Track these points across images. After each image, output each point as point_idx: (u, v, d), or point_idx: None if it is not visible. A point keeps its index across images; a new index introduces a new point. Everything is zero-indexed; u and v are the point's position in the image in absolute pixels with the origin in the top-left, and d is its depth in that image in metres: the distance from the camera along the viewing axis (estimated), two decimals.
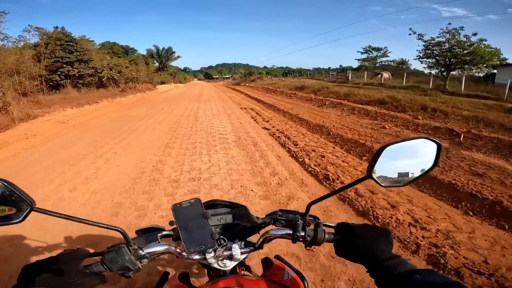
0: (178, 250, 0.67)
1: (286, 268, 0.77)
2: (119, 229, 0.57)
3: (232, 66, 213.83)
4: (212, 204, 0.80)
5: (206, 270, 0.88)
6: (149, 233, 0.76)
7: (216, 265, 0.71)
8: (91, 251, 0.61)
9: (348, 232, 0.63)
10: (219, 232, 0.77)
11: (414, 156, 0.62)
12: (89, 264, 0.58)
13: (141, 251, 0.61)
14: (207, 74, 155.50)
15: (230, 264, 0.72)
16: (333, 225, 0.69)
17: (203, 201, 0.71)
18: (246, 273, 0.87)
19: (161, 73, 56.44)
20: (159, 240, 0.73)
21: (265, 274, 0.80)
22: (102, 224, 0.55)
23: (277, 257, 0.89)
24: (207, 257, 0.68)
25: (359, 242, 0.60)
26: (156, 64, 56.73)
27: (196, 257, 0.69)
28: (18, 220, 0.48)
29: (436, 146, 0.59)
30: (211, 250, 0.68)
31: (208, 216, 0.70)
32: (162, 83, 51.81)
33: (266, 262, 0.88)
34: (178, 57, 60.90)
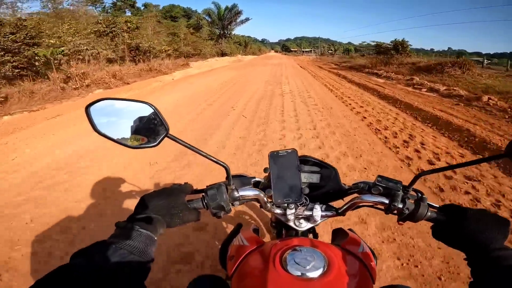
0: (265, 198, 0.64)
1: (362, 241, 0.69)
2: (225, 165, 0.58)
3: (312, 39, 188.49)
4: (304, 160, 0.75)
5: (276, 231, 0.90)
6: (244, 177, 0.72)
7: (291, 223, 0.68)
8: (195, 187, 0.63)
9: (457, 214, 0.54)
10: (303, 189, 0.69)
11: None
12: (191, 200, 0.59)
13: (236, 193, 0.60)
14: (284, 46, 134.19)
15: (305, 225, 0.68)
16: (437, 205, 0.60)
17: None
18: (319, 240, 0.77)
19: (223, 41, 38.81)
20: (252, 185, 0.71)
21: (338, 243, 0.69)
22: (213, 157, 0.56)
23: (350, 230, 0.78)
24: (287, 213, 0.65)
25: (470, 226, 0.51)
26: (218, 30, 39.18)
27: (278, 210, 0.67)
28: (154, 144, 0.52)
29: None
30: (293, 206, 0.65)
31: (301, 169, 0.66)
32: (223, 54, 34.73)
33: (338, 232, 0.79)
34: (247, 19, 41.54)
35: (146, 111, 0.51)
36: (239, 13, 39.40)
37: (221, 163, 0.57)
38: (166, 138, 0.53)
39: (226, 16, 39.06)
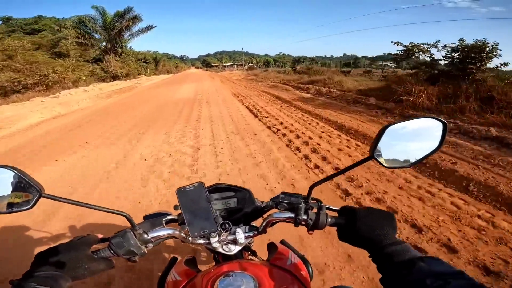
0: (182, 234, 0.64)
1: (290, 253, 0.74)
2: (124, 214, 0.56)
3: (231, 53, 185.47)
4: (216, 188, 0.79)
5: (213, 255, 0.89)
6: (155, 218, 0.72)
7: (220, 250, 0.68)
8: (100, 236, 0.61)
9: (351, 216, 0.59)
10: (223, 216, 0.73)
11: (418, 136, 0.58)
12: (98, 250, 0.58)
13: (146, 236, 0.59)
14: (205, 61, 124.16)
15: (234, 249, 0.69)
16: (337, 208, 0.66)
17: (207, 185, 0.71)
18: (252, 257, 0.87)
19: (112, 58, 25.99)
20: (164, 224, 0.70)
21: (269, 259, 0.75)
22: (108, 209, 0.54)
23: (282, 242, 0.86)
24: (212, 242, 0.65)
25: (361, 225, 0.56)
26: (105, 43, 26.14)
27: (201, 241, 0.66)
28: (28, 207, 0.48)
29: (442, 126, 0.56)
30: (215, 234, 0.64)
31: (211, 200, 0.67)
32: (114, 78, 22.93)
33: (271, 247, 0.83)
34: (149, 27, 29.18)
35: (9, 174, 0.47)
36: (135, 18, 27.20)
37: (120, 212, 0.56)
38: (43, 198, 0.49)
39: (115, 24, 26.42)
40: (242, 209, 0.75)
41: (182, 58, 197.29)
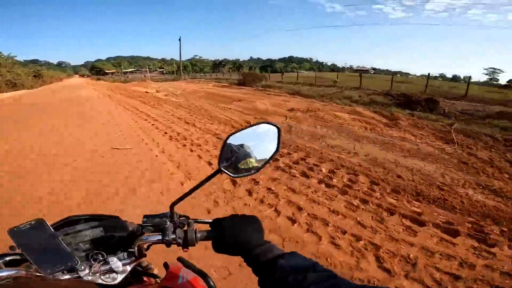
0: (34, 273, 0.54)
1: (182, 270, 0.70)
2: None
3: (129, 58, 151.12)
4: (75, 220, 0.68)
5: None
6: None
7: (101, 281, 0.62)
8: None
9: (220, 226, 0.59)
10: (90, 248, 0.65)
11: (258, 141, 0.59)
12: None
13: None
14: (95, 68, 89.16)
15: (118, 277, 0.63)
16: (209, 221, 0.64)
17: (56, 220, 0.65)
18: (153, 280, 0.79)
19: None
20: (3, 266, 0.57)
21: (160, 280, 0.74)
22: None
23: (179, 259, 0.75)
24: (81, 275, 0.59)
25: (228, 233, 0.56)
26: None
27: (66, 277, 0.58)
28: None
29: (277, 130, 0.58)
30: (82, 267, 0.58)
31: (57, 235, 0.60)
32: None
33: (166, 267, 0.77)
34: None
35: None
36: None
37: None
38: None
39: None
40: (114, 236, 0.67)
41: (60, 65, 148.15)
